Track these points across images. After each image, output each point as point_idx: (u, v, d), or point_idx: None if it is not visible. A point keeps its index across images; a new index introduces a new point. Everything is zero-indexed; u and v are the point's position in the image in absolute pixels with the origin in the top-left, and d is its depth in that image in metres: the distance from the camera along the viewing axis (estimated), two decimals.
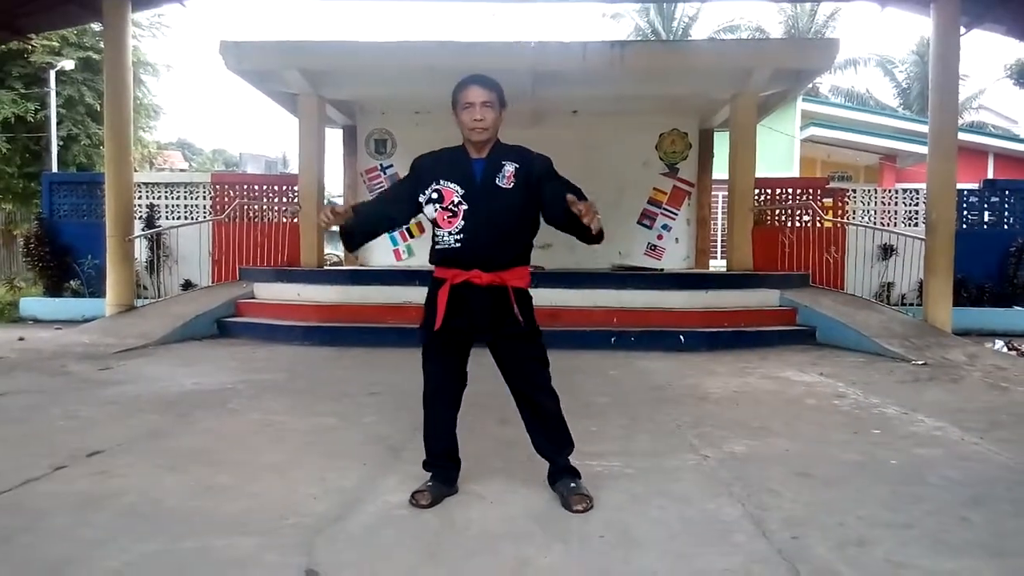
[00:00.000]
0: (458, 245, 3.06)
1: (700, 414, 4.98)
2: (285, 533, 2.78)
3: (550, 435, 3.24)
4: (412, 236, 12.33)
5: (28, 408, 4.98)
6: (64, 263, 11.97)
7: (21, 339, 8.53)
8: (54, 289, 12.00)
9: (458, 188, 3.06)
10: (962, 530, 2.88)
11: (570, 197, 2.81)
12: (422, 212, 3.17)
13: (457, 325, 3.10)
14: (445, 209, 3.07)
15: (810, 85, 18.12)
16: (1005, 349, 8.69)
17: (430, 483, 3.15)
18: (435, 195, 3.08)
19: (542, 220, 3.17)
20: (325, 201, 12.34)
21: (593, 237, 2.91)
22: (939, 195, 9.06)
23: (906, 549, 2.67)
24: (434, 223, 3.13)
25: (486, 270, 3.05)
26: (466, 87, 3.08)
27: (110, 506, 3.05)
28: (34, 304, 11.70)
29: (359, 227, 3.18)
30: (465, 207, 3.05)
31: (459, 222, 3.05)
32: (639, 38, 26.19)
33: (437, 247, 3.14)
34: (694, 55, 10.67)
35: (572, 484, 3.15)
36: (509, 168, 3.08)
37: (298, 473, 3.54)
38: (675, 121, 12.53)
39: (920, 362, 7.16)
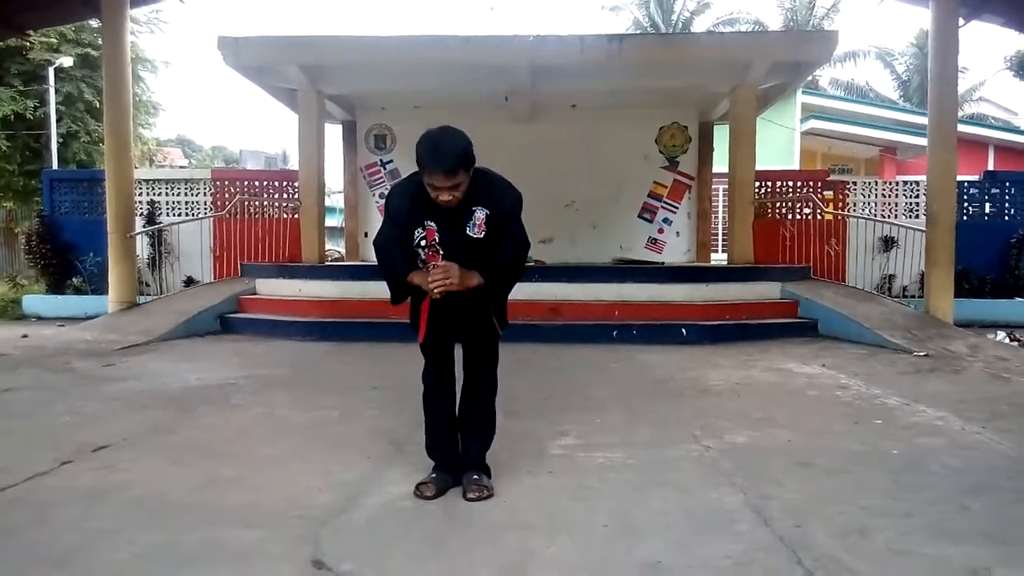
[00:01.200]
0: None
1: (702, 406, 5.00)
2: (290, 525, 2.80)
3: (473, 429, 3.31)
4: None
5: (33, 404, 5.01)
6: (66, 260, 11.96)
7: (24, 336, 8.54)
8: (56, 287, 12.00)
9: (436, 227, 3.07)
10: (963, 518, 2.89)
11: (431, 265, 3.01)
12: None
13: (440, 331, 3.22)
14: (429, 246, 3.09)
15: (809, 78, 18.09)
16: (1007, 340, 8.70)
17: (434, 475, 3.19)
18: (423, 241, 3.08)
19: None
20: (326, 193, 12.32)
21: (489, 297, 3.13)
22: (940, 187, 9.05)
23: (908, 537, 2.69)
24: (421, 260, 3.14)
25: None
26: (431, 173, 2.89)
27: (116, 499, 3.07)
28: (36, 302, 11.70)
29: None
30: (442, 252, 3.08)
31: (440, 260, 3.07)
32: (638, 32, 26.17)
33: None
34: (692, 48, 10.66)
35: (475, 476, 3.18)
36: (480, 215, 3.05)
37: (302, 466, 3.56)
38: (675, 114, 12.50)
39: (922, 353, 7.16)
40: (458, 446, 3.31)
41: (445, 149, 2.88)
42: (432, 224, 3.06)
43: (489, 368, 3.33)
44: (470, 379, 3.33)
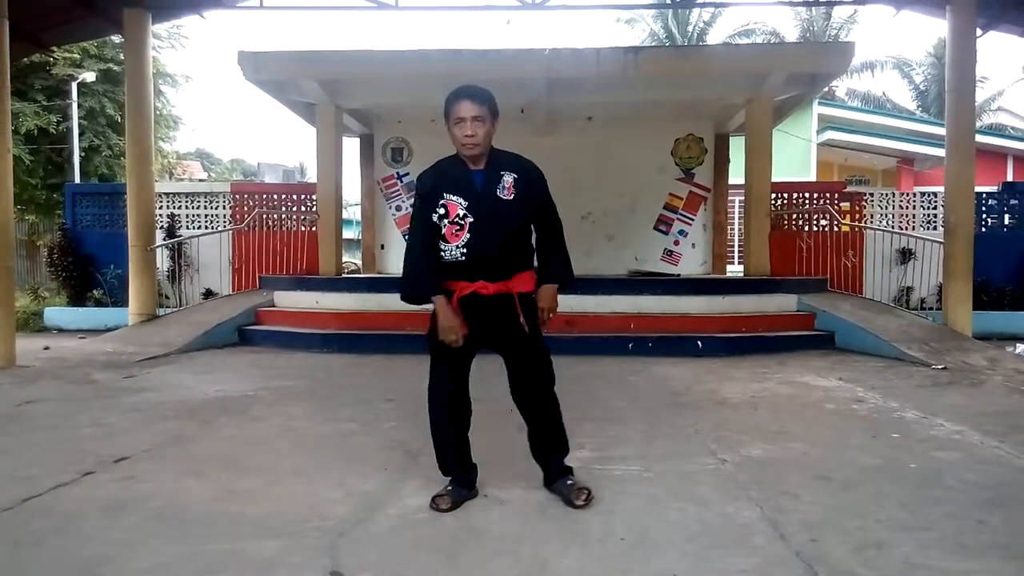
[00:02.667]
0: (463, 258, 3.11)
1: (718, 419, 5.00)
2: (309, 535, 2.83)
3: (548, 440, 3.29)
4: None
5: (55, 415, 5.08)
6: (87, 273, 12.11)
7: (46, 348, 8.65)
8: (77, 299, 12.15)
9: (461, 200, 3.10)
10: (981, 533, 2.88)
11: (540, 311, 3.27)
12: None
13: (465, 335, 3.14)
14: (452, 223, 3.10)
15: (826, 89, 18.07)
16: None
17: (450, 487, 3.20)
18: (442, 210, 3.11)
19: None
20: (344, 206, 12.40)
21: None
22: (958, 198, 9.01)
23: (925, 551, 2.68)
24: (442, 238, 3.15)
25: (492, 280, 3.12)
26: (457, 102, 3.09)
27: (138, 510, 3.11)
28: (58, 314, 11.86)
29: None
30: (470, 219, 3.09)
31: (465, 235, 3.09)
32: (654, 43, 26.20)
33: (443, 260, 3.15)
34: (708, 60, 10.69)
35: (569, 482, 3.21)
36: (508, 179, 3.14)
37: (320, 477, 3.59)
38: (690, 126, 12.51)
39: (940, 366, 7.12)
40: (475, 466, 3.29)
41: (473, 86, 3.15)
42: (456, 198, 3.09)
43: (548, 378, 3.28)
44: (530, 399, 3.25)
